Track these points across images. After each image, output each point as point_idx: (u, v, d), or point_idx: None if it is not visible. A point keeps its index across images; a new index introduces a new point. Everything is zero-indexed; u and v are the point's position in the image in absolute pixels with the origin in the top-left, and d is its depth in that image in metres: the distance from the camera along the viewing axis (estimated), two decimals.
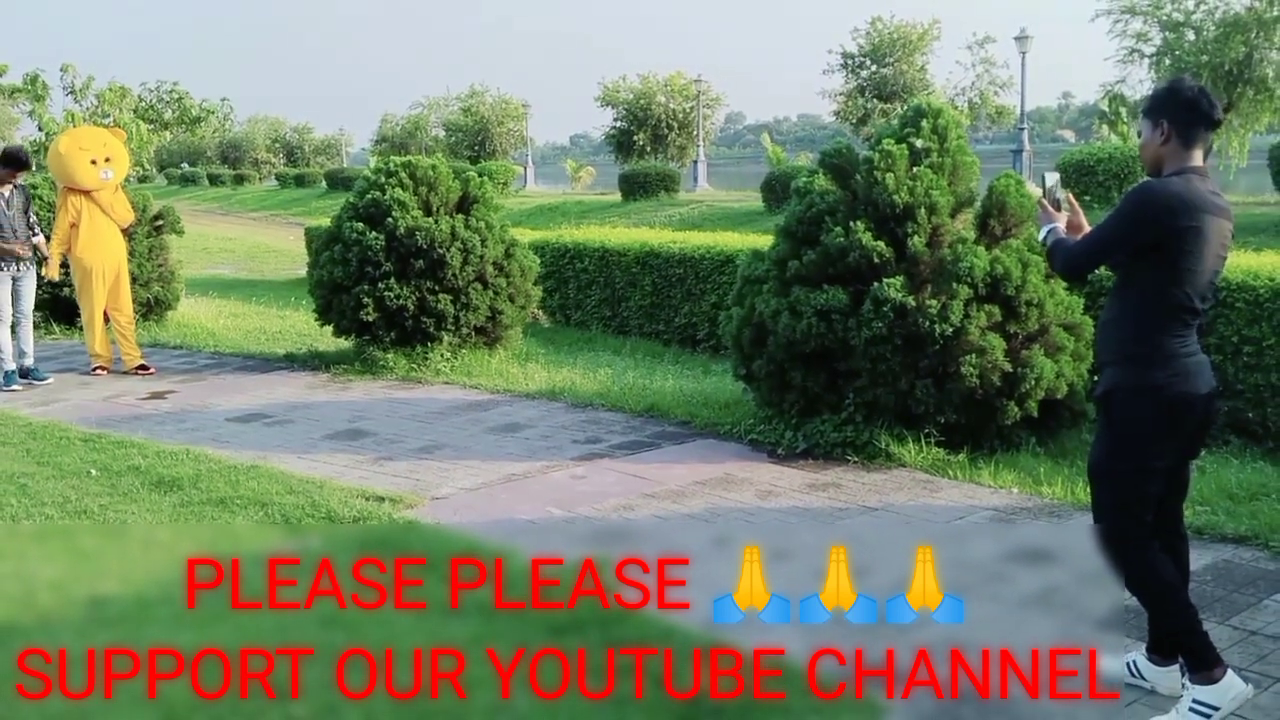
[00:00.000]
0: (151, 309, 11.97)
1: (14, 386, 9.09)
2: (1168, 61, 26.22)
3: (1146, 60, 26.99)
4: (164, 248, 12.20)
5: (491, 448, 6.88)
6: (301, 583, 4.77)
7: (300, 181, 57.91)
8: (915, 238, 6.34)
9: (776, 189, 24.58)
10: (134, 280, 11.83)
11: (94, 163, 9.45)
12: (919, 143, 6.62)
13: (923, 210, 6.38)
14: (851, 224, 6.40)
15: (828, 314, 6.30)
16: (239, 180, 67.98)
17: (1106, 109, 29.87)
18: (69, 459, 6.77)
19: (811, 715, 3.41)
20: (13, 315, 9.23)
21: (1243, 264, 7.08)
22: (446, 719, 3.53)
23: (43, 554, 5.16)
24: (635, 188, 29.80)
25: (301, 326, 12.75)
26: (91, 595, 4.66)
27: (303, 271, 22.84)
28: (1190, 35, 25.79)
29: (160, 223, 12.19)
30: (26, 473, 6.51)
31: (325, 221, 23.06)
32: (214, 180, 68.58)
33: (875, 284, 6.25)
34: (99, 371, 9.66)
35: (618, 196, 31.17)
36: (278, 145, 79.56)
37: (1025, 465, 6.08)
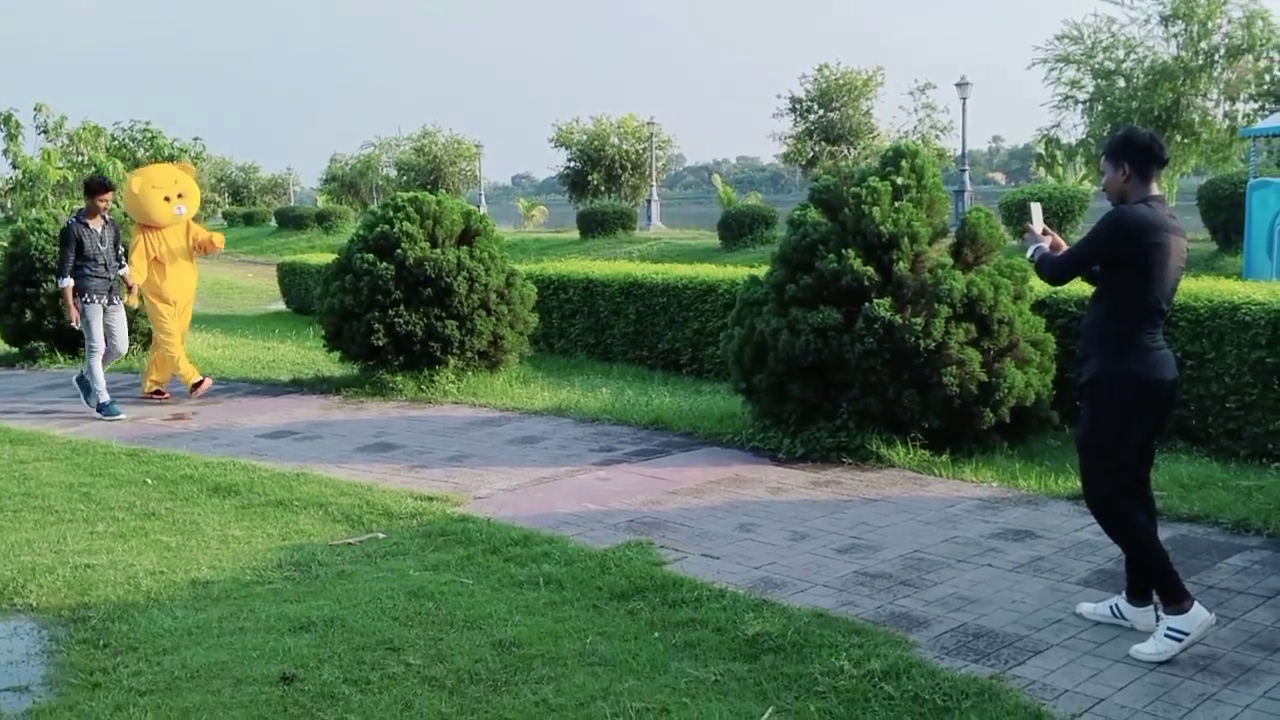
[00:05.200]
0: (150, 339, 12.39)
1: (120, 416, 9.20)
2: (1100, 107, 27.72)
3: (1080, 106, 28.49)
4: None
5: (515, 457, 7.49)
6: (379, 564, 5.37)
7: (249, 220, 57.89)
8: (900, 263, 7.11)
9: (733, 227, 25.47)
10: (135, 312, 12.32)
11: (168, 199, 9.75)
12: (900, 180, 7.41)
13: (906, 239, 7.16)
14: (843, 251, 7.15)
15: (824, 331, 7.03)
16: None
17: (1043, 152, 31.27)
18: (121, 470, 7.28)
19: (851, 647, 4.06)
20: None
21: (1184, 288, 7.91)
22: (548, 663, 4.13)
23: (129, 549, 5.68)
24: (593, 225, 30.55)
25: (293, 356, 13.26)
26: (191, 579, 5.21)
27: (274, 307, 23.32)
28: (1121, 83, 27.30)
29: None
30: (85, 483, 7.01)
31: (290, 258, 23.57)
32: None
33: (866, 304, 6.99)
34: (205, 383, 10.00)
35: (575, 234, 31.89)
36: (223, 184, 79.19)
37: (1001, 464, 6.84)
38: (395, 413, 9.16)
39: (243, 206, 67.23)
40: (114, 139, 20.47)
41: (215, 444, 8.14)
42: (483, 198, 49.00)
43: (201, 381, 9.99)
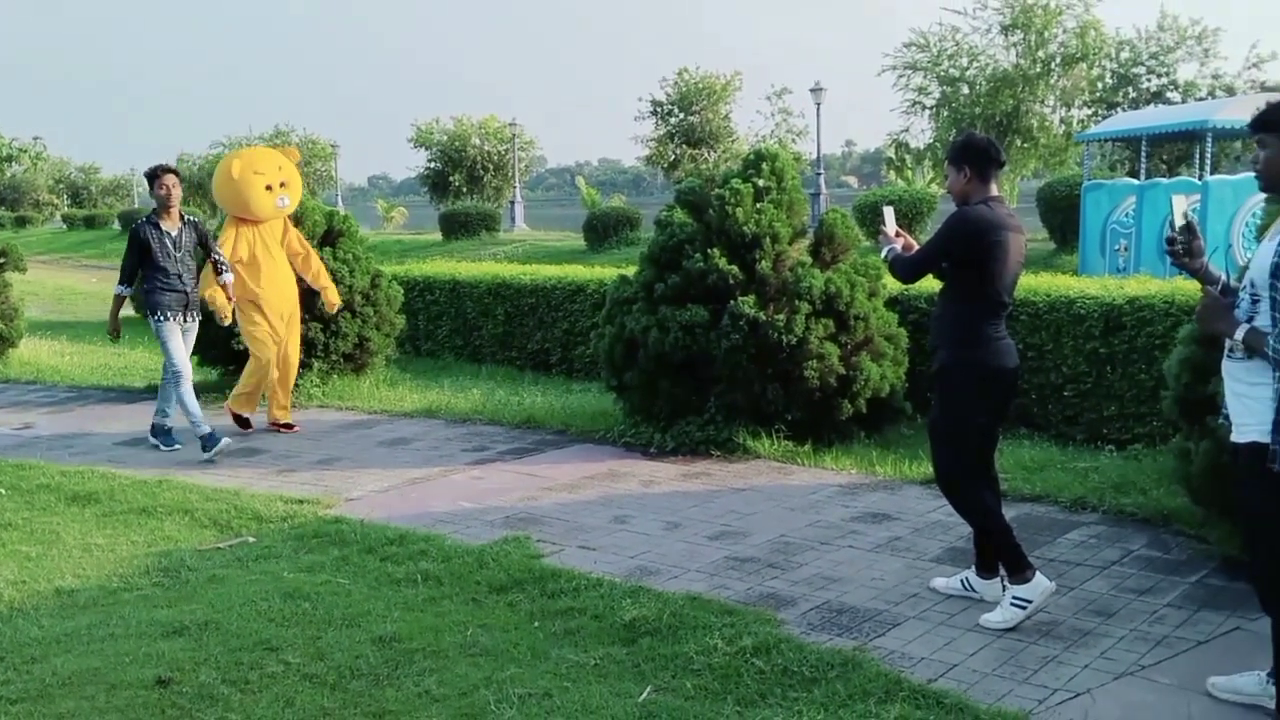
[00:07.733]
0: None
1: (219, 447, 7.61)
2: (945, 113, 28.90)
3: (927, 112, 29.65)
4: (6, 285, 12.15)
5: (386, 458, 7.48)
6: (252, 567, 5.34)
7: (90, 223, 55.45)
8: (763, 262, 7.36)
9: (598, 228, 25.63)
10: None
11: (269, 189, 8.29)
12: (761, 182, 7.67)
13: (768, 239, 7.42)
14: (709, 251, 7.38)
15: (692, 328, 7.24)
16: (20, 223, 64.45)
17: (893, 156, 32.38)
18: None
19: (724, 626, 4.25)
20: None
21: (1024, 284, 8.40)
22: (430, 656, 4.19)
23: None
24: (456, 227, 30.30)
25: (145, 362, 12.87)
26: (55, 588, 5.08)
27: (121, 313, 22.41)
28: (965, 89, 28.51)
29: (2, 260, 12.12)
30: None
31: None
32: None
33: (731, 302, 7.23)
34: (285, 429, 8.44)
35: (437, 235, 31.57)
36: (61, 186, 75.68)
37: (860, 453, 7.16)
38: (259, 417, 9.00)
39: (83, 209, 64.31)
40: None
41: (71, 452, 7.88)
42: (339, 199, 48.03)
43: (292, 426, 8.50)
